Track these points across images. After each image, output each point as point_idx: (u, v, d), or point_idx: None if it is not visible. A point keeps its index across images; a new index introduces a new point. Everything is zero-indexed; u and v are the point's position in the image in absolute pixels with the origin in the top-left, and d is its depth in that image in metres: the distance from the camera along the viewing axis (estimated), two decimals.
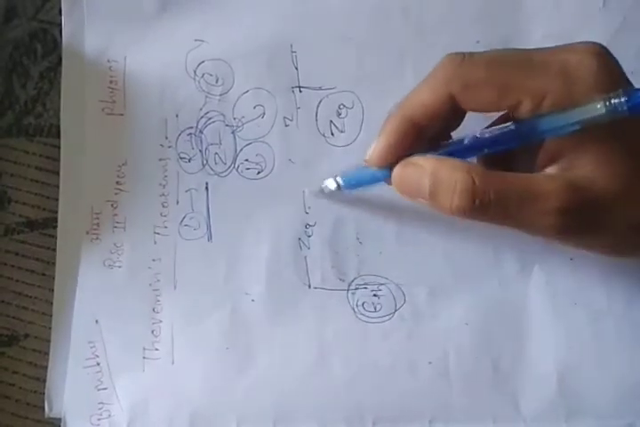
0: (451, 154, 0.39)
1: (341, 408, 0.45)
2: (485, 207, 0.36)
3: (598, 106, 0.35)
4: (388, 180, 0.41)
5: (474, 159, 0.40)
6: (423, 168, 0.38)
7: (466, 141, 0.38)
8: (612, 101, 0.34)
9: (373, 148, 0.40)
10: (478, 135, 0.38)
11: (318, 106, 0.47)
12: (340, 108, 0.47)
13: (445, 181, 0.37)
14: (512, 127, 0.37)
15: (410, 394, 0.45)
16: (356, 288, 0.46)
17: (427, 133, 0.39)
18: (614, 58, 0.37)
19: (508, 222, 0.38)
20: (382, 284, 0.45)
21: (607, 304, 0.45)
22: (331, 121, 0.47)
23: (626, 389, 0.45)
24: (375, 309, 0.45)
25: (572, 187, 0.36)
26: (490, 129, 0.38)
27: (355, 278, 0.46)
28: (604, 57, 0.36)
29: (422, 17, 0.47)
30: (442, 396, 0.45)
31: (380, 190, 0.44)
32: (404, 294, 0.46)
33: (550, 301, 0.45)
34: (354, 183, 0.44)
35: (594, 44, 0.37)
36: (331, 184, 0.44)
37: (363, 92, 0.47)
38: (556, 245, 0.41)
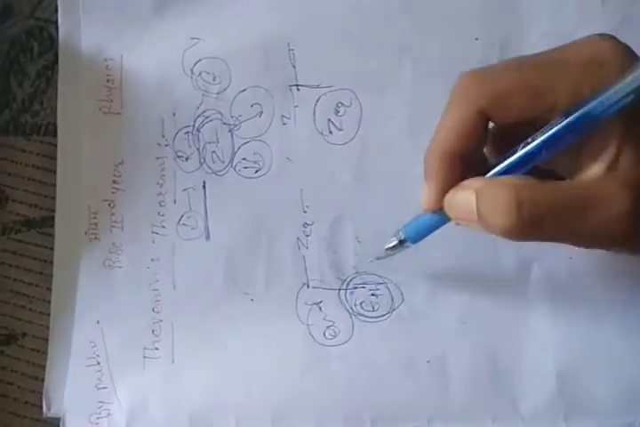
0: (505, 171, 0.36)
1: (339, 407, 0.45)
2: (538, 223, 0.33)
3: None
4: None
5: None
6: (469, 190, 0.35)
7: (519, 152, 0.35)
8: None
9: (426, 193, 0.38)
10: (530, 140, 0.35)
11: (316, 104, 0.47)
12: (338, 106, 0.47)
13: (490, 199, 0.34)
14: (563, 120, 0.34)
15: (408, 393, 0.45)
16: (355, 287, 0.46)
17: (473, 159, 0.37)
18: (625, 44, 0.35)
19: (568, 237, 0.35)
20: (380, 283, 0.45)
21: (606, 303, 0.45)
22: (329, 119, 0.47)
23: (625, 388, 0.45)
24: (373, 308, 0.45)
25: (634, 184, 0.33)
26: (544, 134, 0.34)
27: (353, 278, 0.46)
28: (615, 40, 0.34)
29: (421, 14, 0.47)
30: (440, 395, 0.45)
31: (380, 188, 0.45)
32: (402, 293, 0.45)
33: (549, 300, 0.45)
34: (418, 235, 0.41)
35: (600, 34, 0.35)
36: (393, 242, 0.42)
37: (361, 90, 0.47)
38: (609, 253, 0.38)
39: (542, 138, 0.34)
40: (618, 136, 0.34)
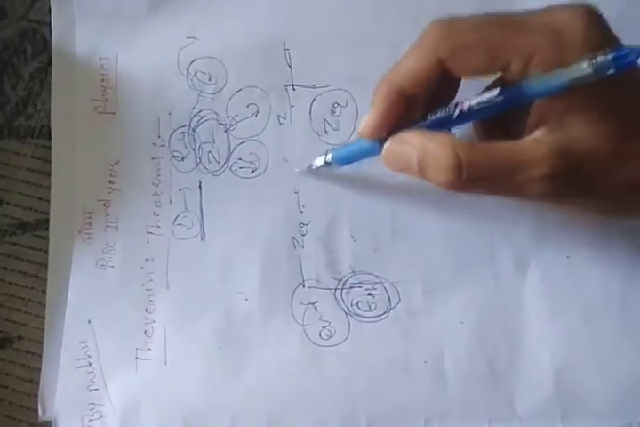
0: (440, 124, 0.38)
1: (336, 409, 0.44)
2: (474, 181, 0.37)
3: (585, 65, 0.34)
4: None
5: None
6: (410, 144, 0.38)
7: (455, 114, 0.38)
8: (599, 59, 0.34)
9: (365, 119, 0.40)
10: (466, 107, 0.37)
11: (312, 104, 0.47)
12: (334, 106, 0.47)
13: (432, 157, 0.37)
14: (498, 94, 0.37)
15: (405, 394, 0.44)
16: (351, 287, 0.45)
17: (418, 103, 0.39)
18: (603, 17, 0.37)
19: (499, 192, 0.39)
20: (377, 282, 0.45)
21: (603, 302, 0.45)
22: (325, 119, 0.47)
23: (622, 388, 0.44)
24: (370, 308, 0.45)
25: (560, 151, 0.36)
26: (477, 98, 0.37)
27: (349, 277, 0.45)
28: (592, 16, 0.36)
29: (417, 14, 0.47)
30: (437, 395, 0.44)
31: (376, 187, 0.45)
32: (398, 293, 0.45)
33: (546, 299, 0.45)
34: (344, 158, 0.43)
35: (582, 4, 0.37)
36: (319, 161, 0.44)
37: (357, 91, 0.47)
38: (548, 208, 0.43)
39: (473, 108, 0.37)
40: (563, 107, 0.36)
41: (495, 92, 0.37)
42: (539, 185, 0.36)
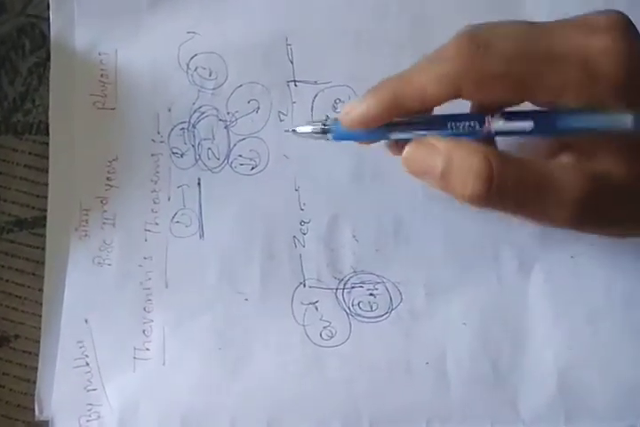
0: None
1: (337, 409, 0.44)
2: (501, 195, 0.34)
3: (626, 120, 0.33)
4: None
5: None
6: (437, 148, 0.35)
7: (480, 135, 0.35)
8: None
9: (351, 109, 0.37)
10: (493, 130, 0.35)
11: (314, 100, 0.47)
12: (336, 102, 0.46)
13: (460, 163, 0.34)
14: (531, 127, 0.35)
15: (407, 395, 0.44)
16: (352, 287, 0.45)
17: (411, 113, 0.37)
18: (637, 34, 0.35)
19: (522, 212, 0.36)
20: (379, 282, 0.45)
21: (607, 303, 0.45)
22: (327, 116, 0.46)
23: (626, 390, 0.44)
24: (371, 308, 0.45)
25: (591, 178, 0.34)
26: (506, 124, 0.35)
27: (351, 277, 0.45)
28: (627, 38, 0.34)
29: (420, 10, 0.47)
30: (439, 397, 0.44)
31: (379, 186, 0.45)
32: (400, 293, 0.45)
33: (550, 300, 0.45)
34: (344, 136, 0.39)
35: (616, 16, 0.35)
36: (317, 128, 0.39)
37: (359, 87, 0.46)
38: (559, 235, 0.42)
39: (501, 131, 0.35)
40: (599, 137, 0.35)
41: (529, 124, 0.35)
42: (564, 209, 0.34)
